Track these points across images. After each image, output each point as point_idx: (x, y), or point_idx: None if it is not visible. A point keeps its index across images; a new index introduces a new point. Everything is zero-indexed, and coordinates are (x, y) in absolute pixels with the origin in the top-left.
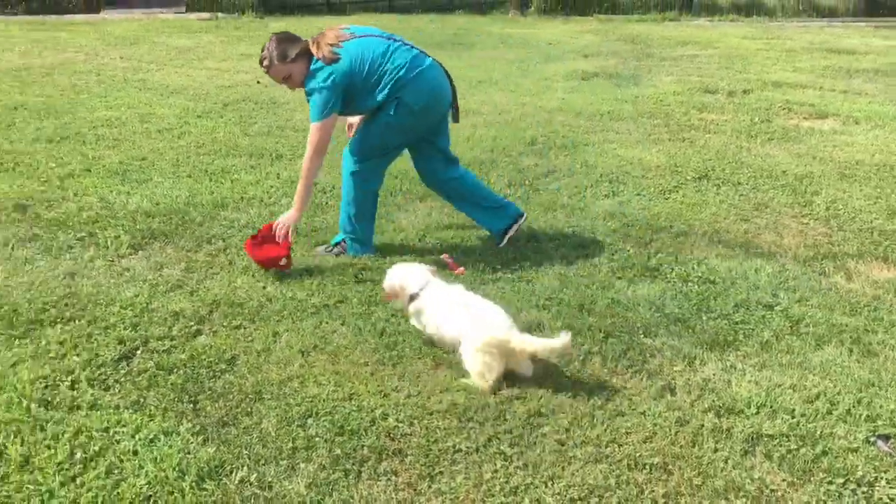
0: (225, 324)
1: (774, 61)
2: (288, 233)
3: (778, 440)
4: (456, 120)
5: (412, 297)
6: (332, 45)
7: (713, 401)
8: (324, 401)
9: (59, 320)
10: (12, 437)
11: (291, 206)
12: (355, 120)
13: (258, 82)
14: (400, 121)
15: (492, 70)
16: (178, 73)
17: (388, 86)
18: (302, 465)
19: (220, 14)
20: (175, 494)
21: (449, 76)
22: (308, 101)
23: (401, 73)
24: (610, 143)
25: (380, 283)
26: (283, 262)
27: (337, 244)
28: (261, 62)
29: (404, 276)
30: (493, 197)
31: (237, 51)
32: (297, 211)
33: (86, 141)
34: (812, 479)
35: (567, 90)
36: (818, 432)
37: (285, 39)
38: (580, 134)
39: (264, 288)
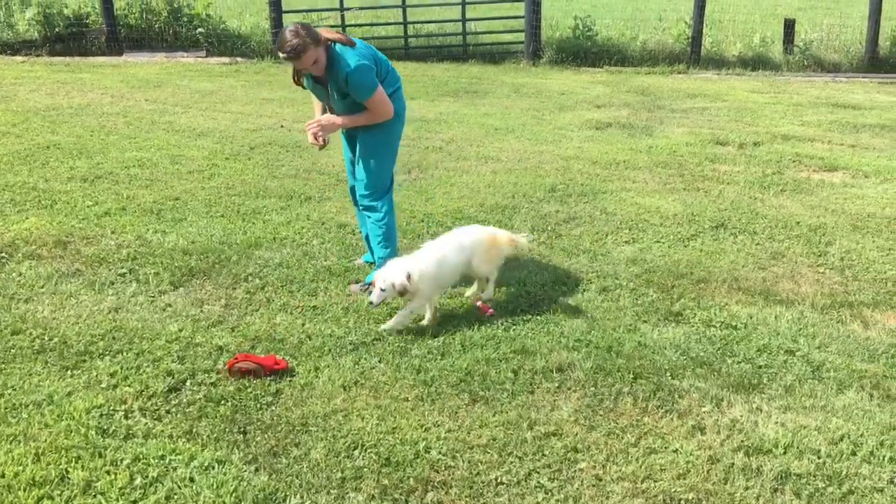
0: None
1: (782, 115)
2: (317, 134)
3: (806, 479)
4: None
5: None
6: (338, 34)
7: (742, 441)
8: (368, 433)
9: (107, 352)
10: (73, 462)
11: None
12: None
13: (282, 126)
14: (402, 121)
15: (507, 118)
16: (203, 115)
17: (393, 83)
18: (352, 495)
19: (239, 59)
20: None
21: None
22: (348, 84)
23: (396, 73)
24: (627, 191)
25: (414, 321)
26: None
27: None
28: (292, 49)
29: None
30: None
31: (259, 95)
32: (342, 122)
33: (119, 180)
34: None
35: (583, 139)
36: (844, 472)
37: (308, 26)
38: (598, 182)
39: (303, 325)
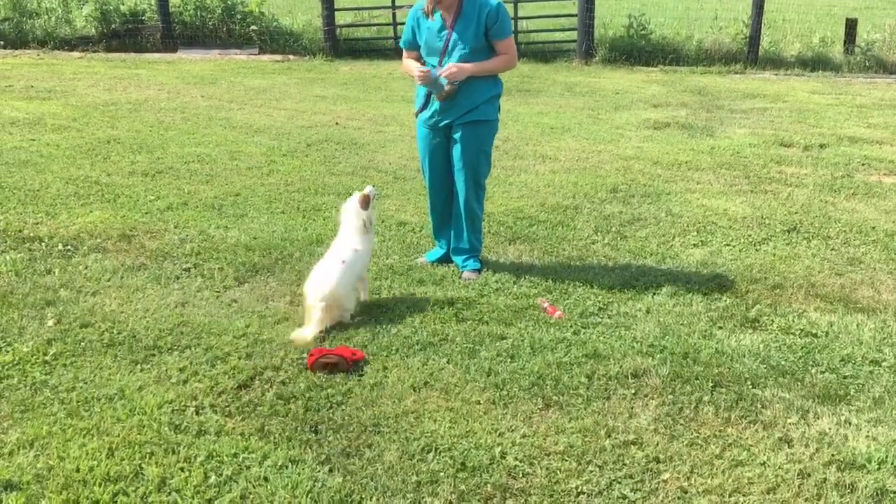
0: None
1: (846, 117)
2: (454, 73)
3: None
4: None
5: None
6: None
7: (833, 454)
8: (441, 437)
9: (176, 347)
10: (147, 458)
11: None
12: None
13: (337, 123)
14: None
15: (562, 117)
16: (258, 112)
17: None
18: (428, 500)
19: (291, 56)
20: None
21: None
22: (497, 18)
23: None
24: (692, 192)
25: (479, 322)
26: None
27: (480, 268)
28: None
29: None
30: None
31: (312, 92)
32: (472, 68)
33: (179, 175)
34: None
35: (641, 139)
36: None
37: None
38: (661, 183)
39: (368, 323)
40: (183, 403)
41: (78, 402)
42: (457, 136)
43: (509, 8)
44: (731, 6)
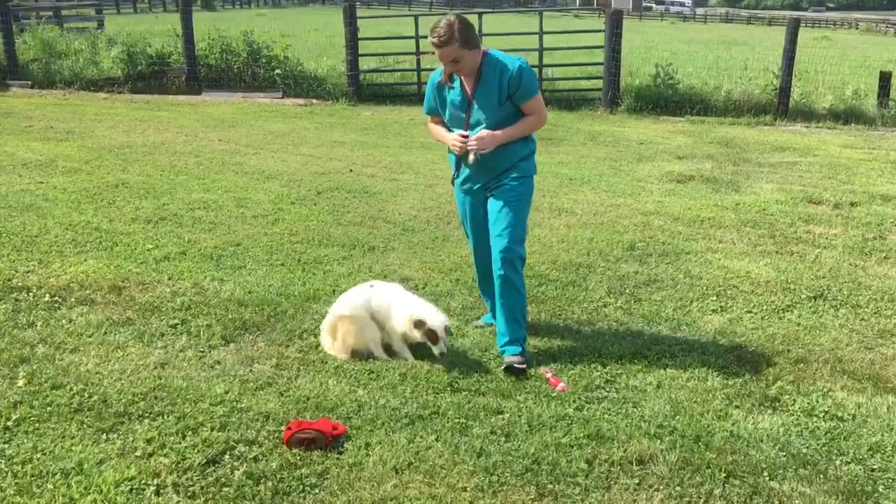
0: None
1: (880, 173)
2: (483, 141)
3: None
4: None
5: None
6: None
7: None
8: None
9: (147, 415)
10: None
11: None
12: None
13: (350, 170)
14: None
15: (583, 168)
16: (273, 157)
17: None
18: None
19: (314, 101)
20: None
21: None
22: (521, 81)
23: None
24: (713, 252)
25: (475, 393)
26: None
27: (522, 352)
28: (437, 35)
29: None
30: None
31: (331, 137)
32: (502, 134)
33: (182, 223)
34: None
35: (663, 193)
36: None
37: (469, 26)
38: (681, 241)
39: (356, 392)
40: (144, 481)
41: (32, 476)
42: (492, 195)
43: (534, 57)
44: (761, 56)
